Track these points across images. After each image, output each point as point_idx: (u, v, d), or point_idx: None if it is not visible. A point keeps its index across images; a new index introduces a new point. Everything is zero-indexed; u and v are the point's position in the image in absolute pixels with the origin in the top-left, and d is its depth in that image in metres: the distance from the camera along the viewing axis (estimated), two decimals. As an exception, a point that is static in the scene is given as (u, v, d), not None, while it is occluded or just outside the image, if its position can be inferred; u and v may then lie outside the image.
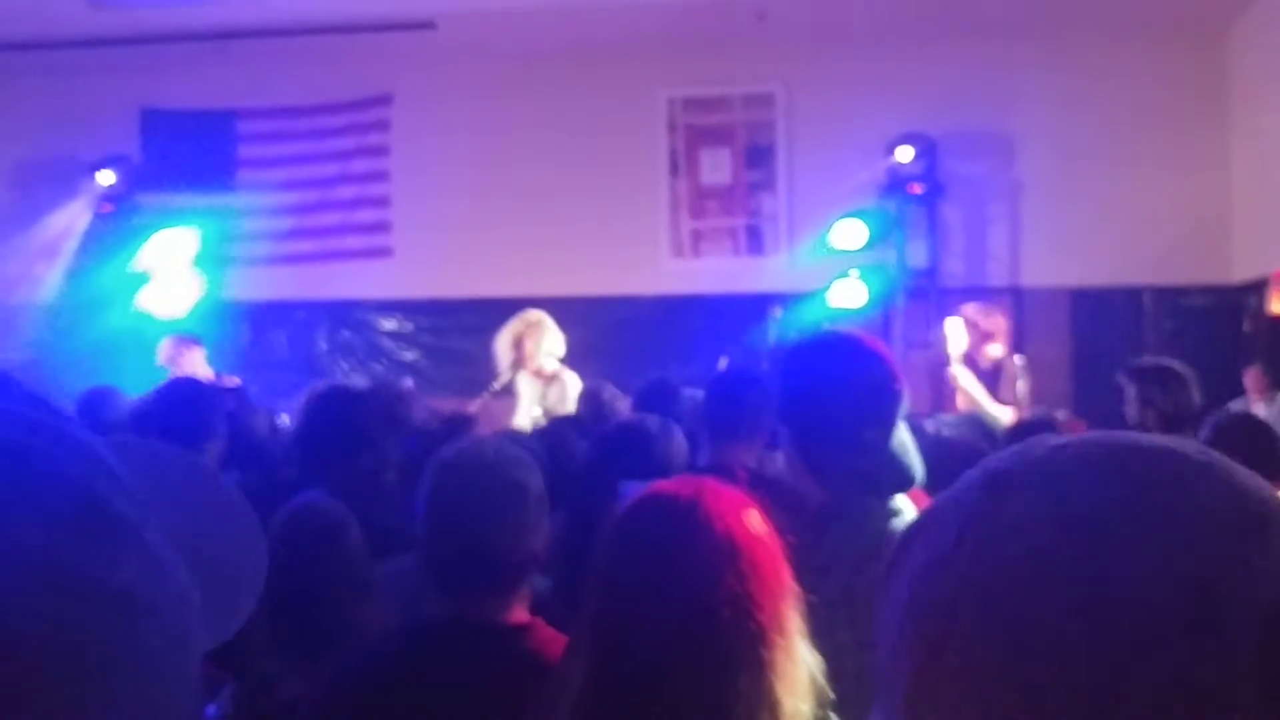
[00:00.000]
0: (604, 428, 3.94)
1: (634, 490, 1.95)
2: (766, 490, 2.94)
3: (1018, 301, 9.44)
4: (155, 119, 10.73)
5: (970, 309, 7.16)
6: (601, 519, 2.09)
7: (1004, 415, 6.50)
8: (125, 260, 9.82)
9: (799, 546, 1.99)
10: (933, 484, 2.51)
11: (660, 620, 1.71)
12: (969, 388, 7.00)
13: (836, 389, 2.44)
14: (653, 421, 3.68)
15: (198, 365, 7.29)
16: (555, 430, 4.89)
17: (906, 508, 2.41)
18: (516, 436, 4.72)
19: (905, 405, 2.48)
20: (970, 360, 6.92)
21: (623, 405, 5.87)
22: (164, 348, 7.43)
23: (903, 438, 2.46)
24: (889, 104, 9.45)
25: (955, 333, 7.06)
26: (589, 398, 6.21)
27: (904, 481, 2.45)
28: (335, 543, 2.87)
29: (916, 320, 9.11)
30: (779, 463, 3.71)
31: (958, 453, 3.85)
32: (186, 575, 0.59)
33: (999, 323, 7.09)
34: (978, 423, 5.64)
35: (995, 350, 7.01)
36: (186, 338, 7.61)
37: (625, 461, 3.37)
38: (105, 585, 0.54)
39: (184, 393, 4.26)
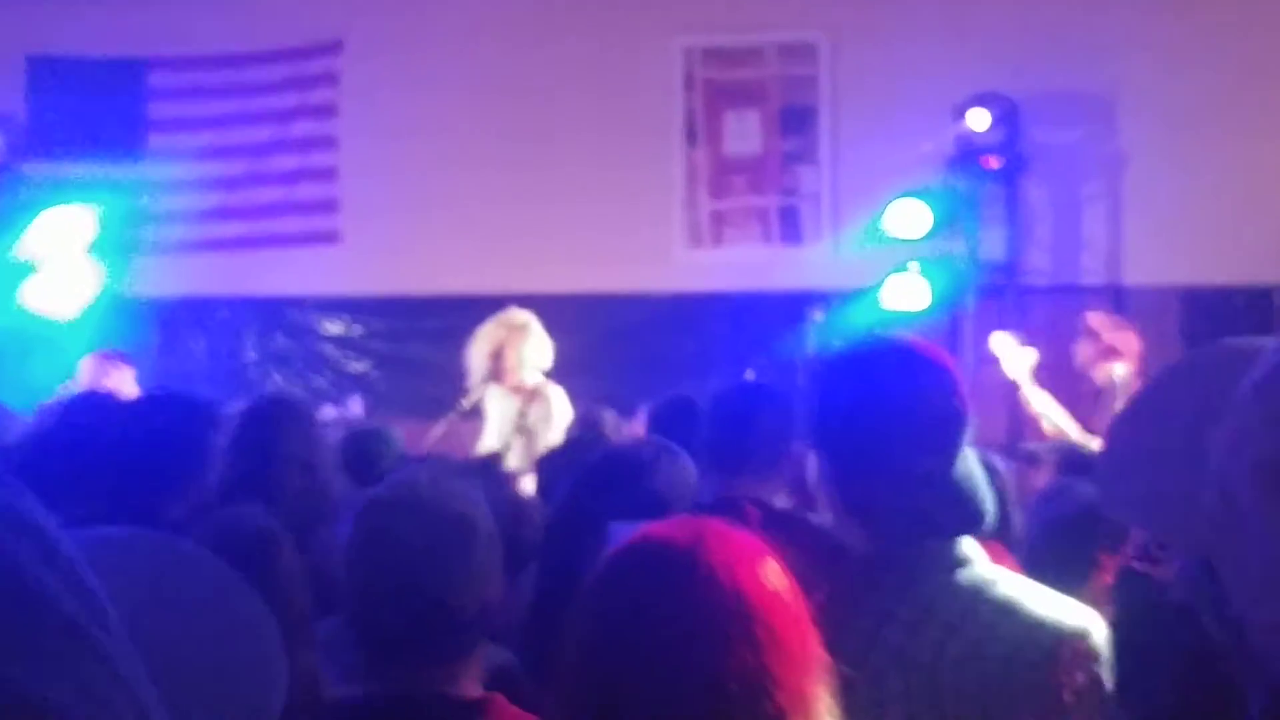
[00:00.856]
0: (586, 458, 3.95)
1: (624, 534, 1.95)
2: (787, 533, 2.94)
3: (1117, 303, 9.38)
4: (44, 69, 10.74)
5: (1097, 319, 7.25)
6: (581, 573, 2.11)
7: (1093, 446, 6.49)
8: (4, 245, 9.80)
9: (834, 605, 1.98)
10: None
11: (652, 701, 1.71)
12: (1046, 412, 6.98)
13: (884, 407, 2.44)
14: (648, 448, 3.69)
15: (127, 388, 7.33)
16: (542, 467, 4.87)
17: (976, 555, 2.40)
18: (479, 466, 4.71)
19: (972, 427, 2.47)
20: (1080, 379, 6.91)
21: (627, 433, 5.86)
22: (87, 367, 7.54)
23: (969, 468, 2.44)
24: (959, 57, 9.47)
25: (1006, 350, 7.07)
26: (583, 425, 6.23)
27: (970, 521, 2.43)
28: (267, 559, 2.90)
29: (991, 326, 8.95)
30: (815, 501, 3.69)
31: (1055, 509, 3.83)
32: (153, 692, 0.59)
33: (1130, 340, 7.17)
34: (1070, 456, 5.57)
35: (1120, 371, 7.04)
36: (114, 354, 7.72)
37: (613, 500, 3.37)
38: (29, 705, 0.53)
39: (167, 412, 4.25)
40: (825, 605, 1.83)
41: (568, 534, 3.41)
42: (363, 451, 5.35)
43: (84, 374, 7.50)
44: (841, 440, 2.47)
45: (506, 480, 5.03)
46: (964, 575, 2.37)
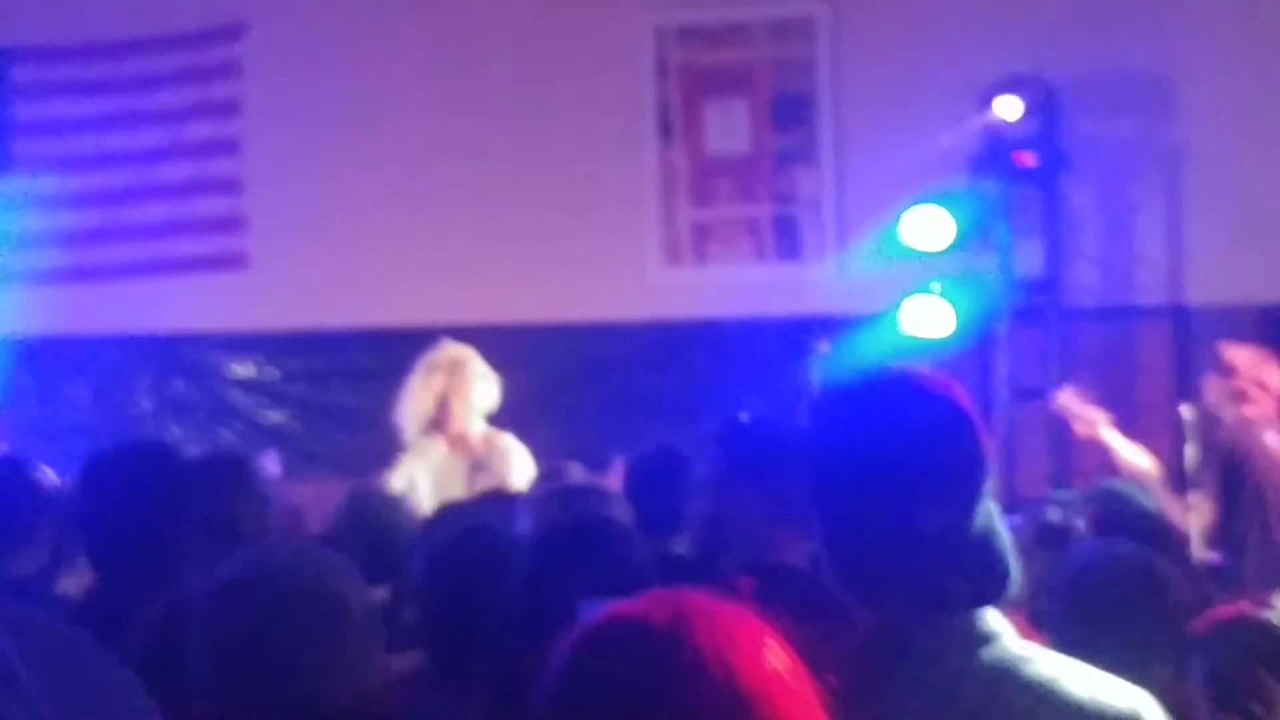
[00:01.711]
0: (548, 525, 4.01)
1: (594, 612, 1.91)
2: (792, 602, 2.97)
3: (1179, 326, 9.49)
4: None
5: (1236, 353, 7.23)
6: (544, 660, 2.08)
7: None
8: None
9: (845, 691, 1.96)
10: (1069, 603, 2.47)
11: None
12: (1139, 465, 7.06)
13: (884, 452, 2.45)
14: (621, 508, 3.73)
15: None
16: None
17: (1002, 629, 2.42)
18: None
19: (992, 475, 2.49)
20: (1138, 414, 7.02)
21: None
22: None
23: (990, 524, 2.46)
24: (986, 32, 9.50)
25: (1076, 410, 7.14)
26: (548, 486, 6.26)
27: (992, 589, 2.45)
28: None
29: (1029, 355, 9.17)
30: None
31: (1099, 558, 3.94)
32: None
33: (1274, 378, 7.16)
34: (1131, 508, 5.67)
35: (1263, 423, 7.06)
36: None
37: (578, 575, 3.41)
38: None
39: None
40: (838, 690, 1.81)
41: (531, 613, 3.42)
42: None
43: None
44: (836, 493, 2.48)
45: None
46: (989, 654, 2.38)
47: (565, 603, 3.11)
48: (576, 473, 6.49)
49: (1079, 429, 7.54)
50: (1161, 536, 5.09)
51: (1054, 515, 4.70)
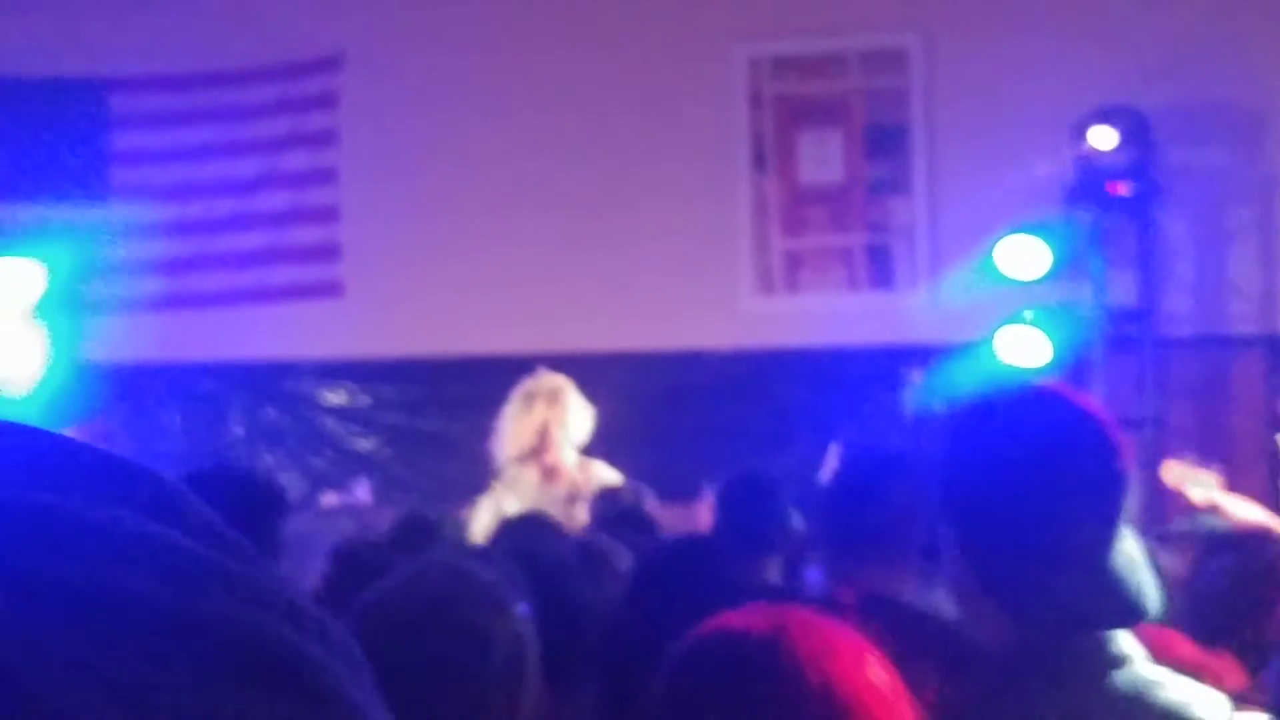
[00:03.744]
0: (646, 549, 3.98)
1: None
2: (891, 621, 2.99)
3: (1274, 355, 9.45)
4: (-11, 93, 10.78)
5: None
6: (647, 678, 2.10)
7: None
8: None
9: (956, 708, 2.03)
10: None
11: None
12: (1253, 518, 7.00)
13: (1034, 466, 2.43)
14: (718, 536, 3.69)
15: None
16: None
17: (1134, 652, 2.40)
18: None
19: (1133, 497, 2.49)
20: (1234, 442, 6.94)
21: (654, 511, 6.03)
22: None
23: (1128, 547, 2.44)
24: (1080, 63, 9.45)
25: (1183, 479, 7.12)
26: (609, 507, 6.31)
27: (1135, 610, 2.42)
28: None
29: (1122, 384, 9.08)
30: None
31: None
32: None
33: None
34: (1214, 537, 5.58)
35: None
36: (101, 435, 8.01)
37: (676, 599, 3.38)
38: None
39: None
40: (941, 707, 1.87)
41: (628, 639, 3.41)
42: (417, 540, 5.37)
43: None
44: (980, 508, 2.46)
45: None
46: (1122, 677, 2.35)
47: (666, 619, 3.03)
48: (641, 494, 6.52)
49: (1192, 496, 7.40)
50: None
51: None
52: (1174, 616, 3.87)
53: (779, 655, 1.76)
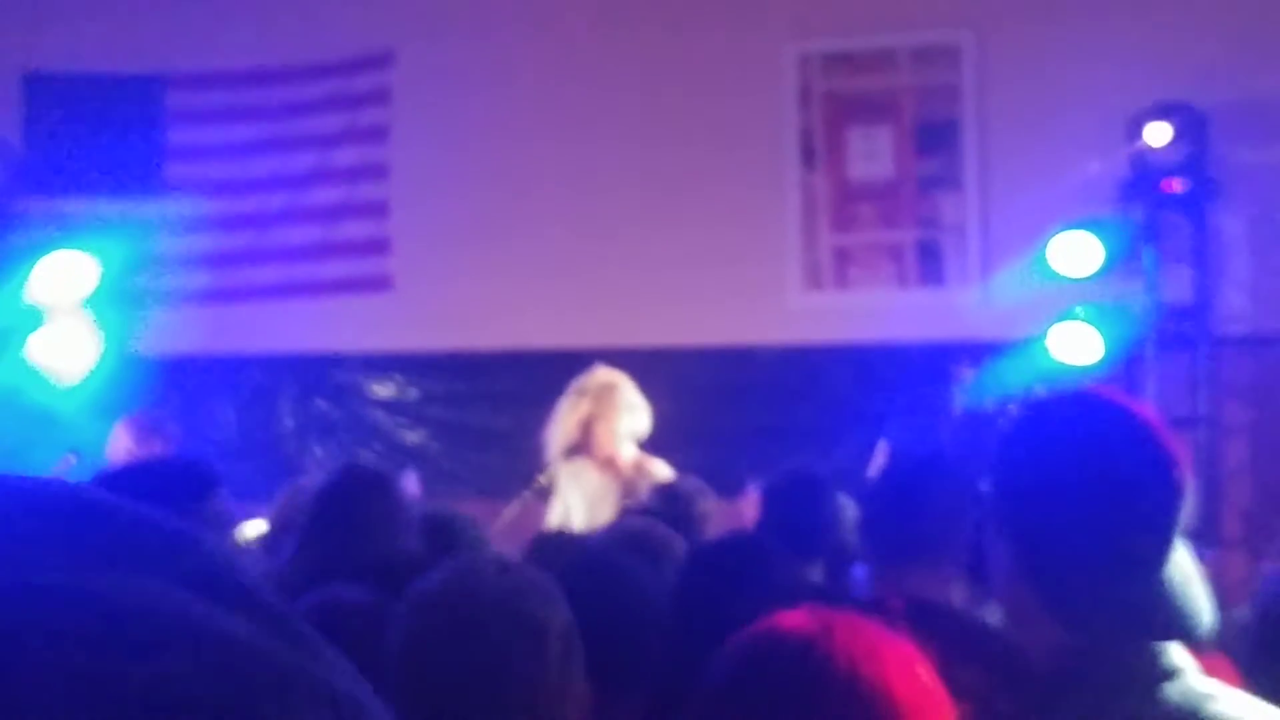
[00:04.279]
0: (695, 549, 4.00)
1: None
2: (939, 628, 3.05)
3: None
4: (43, 88, 10.84)
5: None
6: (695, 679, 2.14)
7: None
8: (4, 293, 9.88)
9: (998, 715, 2.12)
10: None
11: None
12: None
13: (1090, 479, 2.39)
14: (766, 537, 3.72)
15: None
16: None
17: (1187, 665, 2.35)
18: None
19: (1188, 507, 2.43)
20: None
21: (708, 507, 6.07)
22: (120, 434, 7.76)
23: (1181, 560, 2.40)
24: (1133, 58, 9.39)
25: None
26: (662, 497, 6.33)
27: (1189, 624, 2.38)
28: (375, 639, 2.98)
29: (1176, 382, 9.05)
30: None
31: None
32: None
33: None
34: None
35: None
36: (152, 425, 7.94)
37: (722, 600, 3.41)
38: None
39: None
40: (990, 716, 1.91)
41: (678, 633, 3.41)
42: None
43: (117, 442, 7.70)
44: (1036, 516, 2.44)
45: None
46: (1174, 690, 2.32)
47: (715, 620, 3.11)
48: (692, 485, 6.54)
49: None
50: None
51: None
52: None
53: (827, 658, 1.79)
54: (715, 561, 3.73)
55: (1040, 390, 8.57)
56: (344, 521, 4.35)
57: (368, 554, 4.18)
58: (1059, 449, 2.46)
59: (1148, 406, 2.54)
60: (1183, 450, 2.44)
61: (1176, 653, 2.36)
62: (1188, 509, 2.41)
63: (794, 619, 1.90)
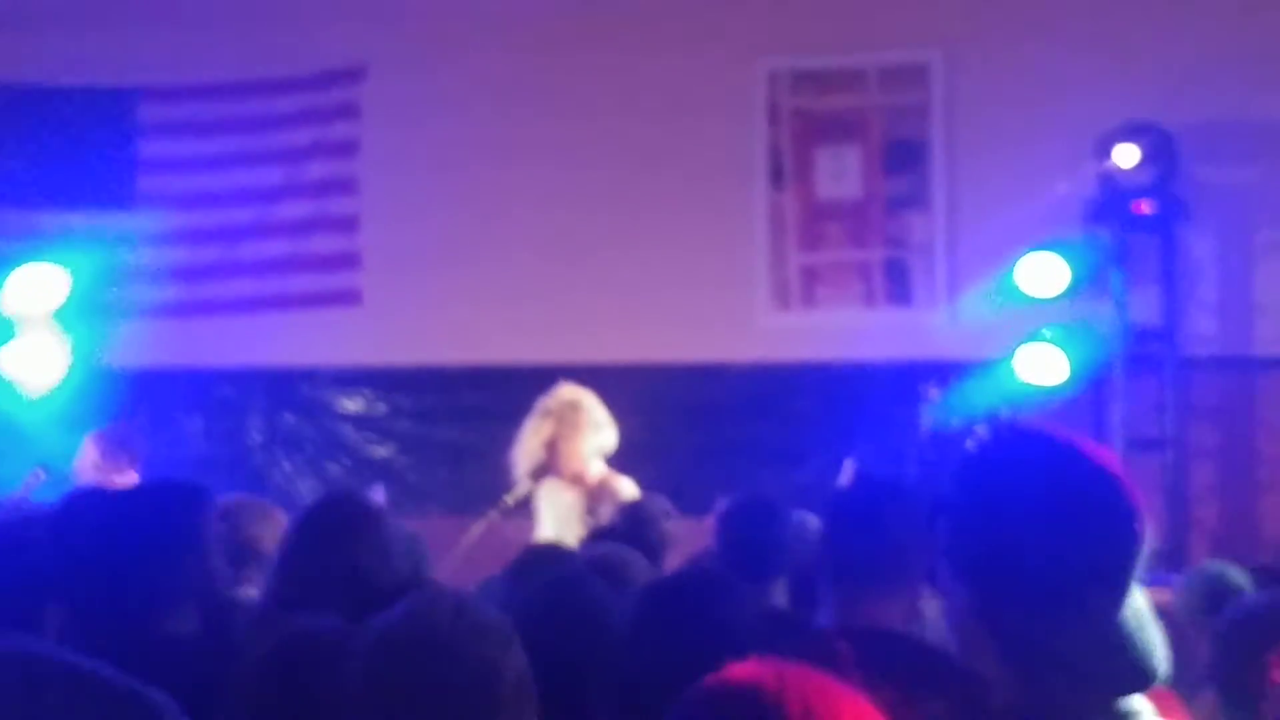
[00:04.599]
0: (652, 583, 3.96)
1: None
2: (901, 659, 3.10)
3: None
4: (14, 100, 10.80)
5: None
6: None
7: None
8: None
9: None
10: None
11: None
12: None
13: (1046, 527, 2.34)
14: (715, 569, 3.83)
15: (129, 483, 7.60)
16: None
17: (1142, 708, 2.35)
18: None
19: (1147, 556, 2.39)
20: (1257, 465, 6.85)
21: (672, 529, 6.12)
22: (88, 449, 7.77)
23: (1138, 606, 2.37)
24: (1102, 78, 9.39)
25: None
26: (627, 518, 6.32)
27: (1142, 675, 2.34)
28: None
29: (1143, 404, 9.03)
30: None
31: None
32: None
33: None
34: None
35: None
36: (119, 441, 7.94)
37: (681, 636, 3.38)
38: None
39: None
40: None
41: (635, 671, 3.41)
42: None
43: (85, 455, 7.73)
44: (992, 563, 2.39)
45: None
46: None
47: (673, 656, 3.18)
48: (657, 505, 6.51)
49: None
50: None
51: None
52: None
53: (780, 711, 1.80)
54: (673, 596, 3.67)
55: (1007, 412, 8.57)
56: (328, 556, 4.23)
57: (354, 586, 4.13)
58: (1016, 493, 2.40)
59: (1110, 455, 2.44)
60: (1141, 498, 2.39)
61: (1138, 703, 2.34)
62: (1144, 557, 2.37)
63: (747, 670, 1.89)
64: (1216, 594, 5.12)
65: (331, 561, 4.21)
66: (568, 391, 7.83)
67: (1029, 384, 8.82)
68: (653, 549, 5.89)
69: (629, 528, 6.29)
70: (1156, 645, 2.35)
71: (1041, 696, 2.34)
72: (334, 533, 4.31)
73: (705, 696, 1.89)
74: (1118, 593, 2.34)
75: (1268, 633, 3.62)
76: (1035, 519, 2.35)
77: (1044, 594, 2.33)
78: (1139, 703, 2.35)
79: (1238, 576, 5.48)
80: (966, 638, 2.45)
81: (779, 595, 5.27)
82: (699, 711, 1.88)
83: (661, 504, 6.55)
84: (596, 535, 6.35)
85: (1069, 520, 2.34)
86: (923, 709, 2.48)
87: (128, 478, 7.66)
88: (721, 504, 5.57)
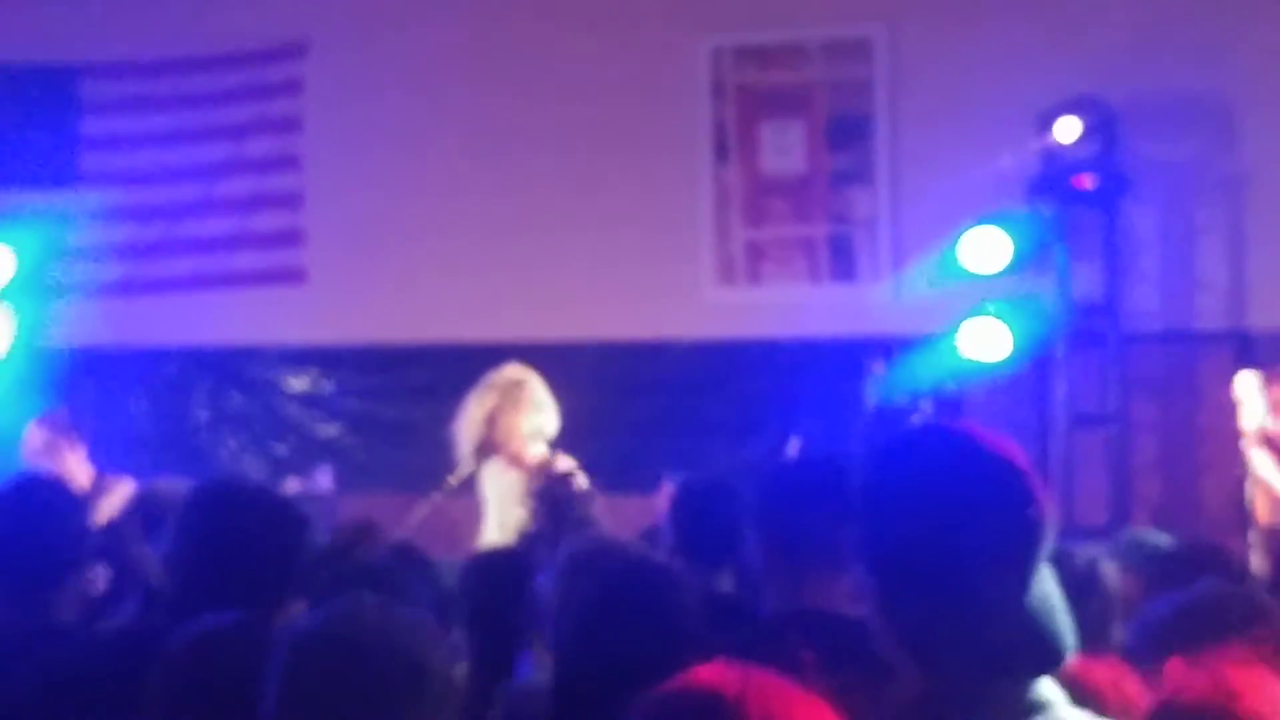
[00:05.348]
0: (601, 578, 3.83)
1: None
2: (831, 652, 3.04)
3: (1241, 351, 9.24)
4: (-47, 78, 10.80)
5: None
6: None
7: None
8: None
9: None
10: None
11: None
12: (1270, 480, 6.80)
13: (944, 518, 2.37)
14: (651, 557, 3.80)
15: (75, 467, 7.69)
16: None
17: (1054, 697, 2.36)
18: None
19: (1050, 540, 2.39)
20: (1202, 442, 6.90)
21: (592, 505, 6.23)
22: (34, 434, 7.82)
23: (1046, 590, 2.38)
24: (1045, 54, 9.38)
25: (1249, 394, 6.91)
26: (543, 499, 6.35)
27: (1048, 657, 2.36)
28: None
29: (1087, 379, 9.00)
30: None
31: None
32: None
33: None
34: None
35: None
36: (65, 425, 7.95)
37: (626, 632, 3.34)
38: None
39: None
40: None
41: (587, 664, 3.36)
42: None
43: (31, 441, 7.78)
44: (892, 557, 2.42)
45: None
46: None
47: (616, 646, 3.24)
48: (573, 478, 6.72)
49: (1242, 417, 7.11)
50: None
51: (1081, 561, 4.35)
52: (1124, 643, 3.87)
53: (741, 717, 1.84)
54: (620, 589, 3.62)
55: (951, 386, 8.55)
56: (220, 543, 4.02)
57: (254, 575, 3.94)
58: (913, 488, 2.42)
59: (1009, 445, 2.45)
60: (1043, 487, 2.40)
61: (1045, 685, 2.35)
62: (1047, 543, 2.37)
63: (708, 675, 1.92)
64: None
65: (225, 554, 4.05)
66: (512, 370, 7.82)
67: (972, 359, 8.82)
68: (570, 531, 5.83)
69: (547, 510, 6.33)
70: (1063, 626, 2.36)
71: (943, 685, 2.36)
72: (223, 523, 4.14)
73: (666, 701, 1.93)
74: (1017, 580, 2.35)
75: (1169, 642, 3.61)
76: (929, 512, 2.37)
77: (940, 585, 2.35)
78: (1049, 691, 2.35)
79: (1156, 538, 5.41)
80: (878, 629, 2.46)
81: (725, 583, 5.19)
82: (660, 716, 1.92)
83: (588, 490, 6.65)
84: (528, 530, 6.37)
85: (962, 512, 2.35)
86: (861, 697, 2.36)
87: (77, 459, 7.74)
88: (675, 483, 5.47)
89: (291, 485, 9.63)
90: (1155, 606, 3.89)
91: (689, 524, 5.19)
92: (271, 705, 2.52)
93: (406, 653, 2.52)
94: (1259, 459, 6.90)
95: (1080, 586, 4.34)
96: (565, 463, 7.50)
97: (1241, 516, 7.35)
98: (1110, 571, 4.39)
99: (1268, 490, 6.88)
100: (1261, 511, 6.97)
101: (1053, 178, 9.09)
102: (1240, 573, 4.77)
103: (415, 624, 2.64)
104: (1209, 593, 3.86)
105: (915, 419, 8.37)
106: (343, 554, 5.04)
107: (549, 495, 6.38)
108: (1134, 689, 3.48)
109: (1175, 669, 3.43)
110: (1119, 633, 3.95)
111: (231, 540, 3.96)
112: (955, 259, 9.06)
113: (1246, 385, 7.06)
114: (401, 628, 2.57)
